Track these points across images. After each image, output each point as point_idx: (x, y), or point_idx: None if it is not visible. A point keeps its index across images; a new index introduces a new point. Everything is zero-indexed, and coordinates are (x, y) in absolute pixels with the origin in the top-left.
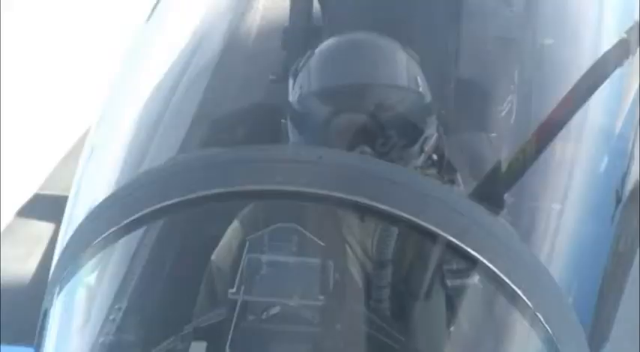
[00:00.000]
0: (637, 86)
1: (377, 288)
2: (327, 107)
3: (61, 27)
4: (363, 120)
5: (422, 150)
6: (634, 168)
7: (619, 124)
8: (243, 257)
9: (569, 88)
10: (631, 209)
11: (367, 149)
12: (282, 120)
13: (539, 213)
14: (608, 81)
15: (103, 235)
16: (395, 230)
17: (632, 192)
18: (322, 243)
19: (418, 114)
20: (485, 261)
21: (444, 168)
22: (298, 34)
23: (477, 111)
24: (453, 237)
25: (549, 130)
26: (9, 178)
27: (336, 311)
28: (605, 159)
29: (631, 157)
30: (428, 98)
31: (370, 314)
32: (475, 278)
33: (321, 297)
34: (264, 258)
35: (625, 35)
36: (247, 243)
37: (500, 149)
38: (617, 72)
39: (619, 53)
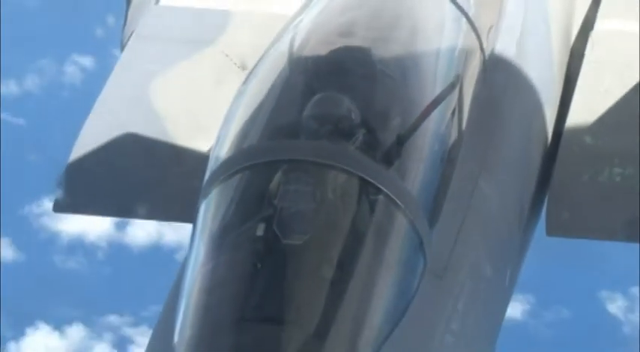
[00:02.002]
0: (452, 109)
1: (341, 200)
2: (314, 123)
3: None
4: (329, 128)
5: (354, 142)
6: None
7: (444, 124)
8: (281, 188)
9: (425, 108)
10: (451, 161)
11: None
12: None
13: (409, 166)
14: (439, 107)
15: (222, 178)
16: (345, 176)
17: (449, 154)
18: (315, 182)
19: (352, 128)
20: (382, 188)
21: (367, 149)
22: (307, 93)
23: (385, 122)
24: (369, 177)
25: (415, 128)
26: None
27: (321, 211)
28: (437, 141)
29: (449, 136)
30: (357, 121)
31: (335, 212)
32: (381, 195)
33: (314, 204)
34: (290, 187)
35: (445, 75)
36: (283, 181)
37: (393, 138)
38: (443, 102)
39: (446, 93)
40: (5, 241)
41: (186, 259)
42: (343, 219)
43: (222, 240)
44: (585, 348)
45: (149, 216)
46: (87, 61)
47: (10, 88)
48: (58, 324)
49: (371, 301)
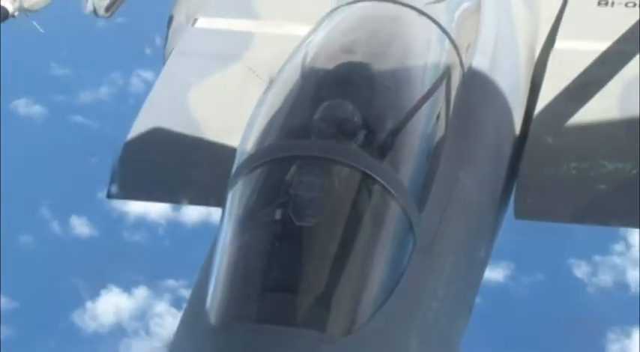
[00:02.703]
0: (437, 113)
1: (345, 190)
2: (322, 125)
3: None
4: (335, 130)
5: (356, 141)
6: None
7: (430, 126)
8: (295, 179)
9: (415, 113)
10: (436, 156)
11: (334, 142)
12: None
13: (401, 161)
14: (426, 112)
15: (246, 171)
16: (348, 169)
17: (435, 151)
18: (324, 175)
19: (354, 129)
20: (379, 179)
21: (366, 146)
22: (316, 100)
23: (381, 125)
24: (368, 170)
25: (406, 130)
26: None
27: (328, 199)
28: (425, 140)
29: (434, 136)
30: (359, 123)
31: (340, 199)
32: (378, 185)
33: (322, 193)
34: (302, 179)
35: (431, 85)
36: (296, 174)
37: (388, 137)
38: (430, 108)
39: (432, 100)
40: (83, 220)
41: (215, 238)
42: (346, 205)
43: (246, 222)
44: (556, 305)
45: (187, 202)
46: (148, 75)
47: (87, 96)
48: (127, 287)
49: (369, 273)
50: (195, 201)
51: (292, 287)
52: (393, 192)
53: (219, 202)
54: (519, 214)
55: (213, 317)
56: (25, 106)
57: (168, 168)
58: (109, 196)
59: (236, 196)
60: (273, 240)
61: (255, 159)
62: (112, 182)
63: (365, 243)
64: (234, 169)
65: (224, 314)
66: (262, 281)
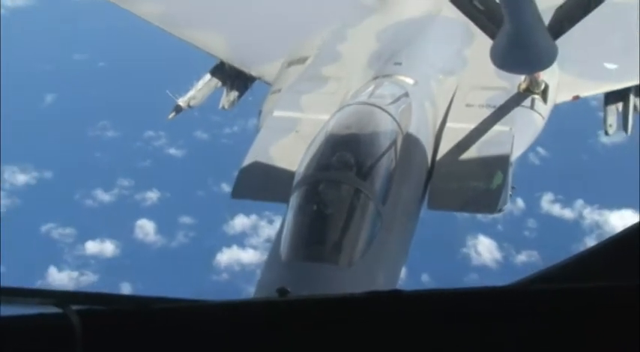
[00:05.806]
0: (392, 157)
1: (346, 196)
2: (335, 164)
3: None
4: (342, 166)
5: (353, 172)
6: (391, 170)
7: (389, 163)
8: (322, 191)
9: (381, 157)
10: (391, 178)
11: (342, 172)
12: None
13: (375, 181)
14: (386, 156)
15: (299, 187)
16: (348, 186)
17: (391, 175)
18: (336, 188)
19: (351, 166)
20: (363, 190)
21: (358, 175)
22: (332, 152)
23: (365, 164)
24: (358, 187)
25: (377, 165)
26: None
27: (338, 200)
28: (385, 170)
29: (391, 168)
30: (354, 163)
31: (344, 201)
32: (362, 194)
33: (336, 197)
34: (325, 191)
35: (387, 144)
36: (322, 188)
37: (368, 170)
38: (387, 154)
39: (389, 150)
40: (226, 185)
41: (283, 218)
42: (347, 204)
43: (299, 210)
44: (441, 228)
45: (272, 200)
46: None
47: (227, 130)
48: (247, 214)
49: (359, 236)
50: (276, 199)
51: (321, 242)
52: (370, 196)
53: (287, 200)
54: (430, 207)
55: (283, 256)
56: (199, 134)
57: (263, 181)
58: (233, 196)
59: (294, 199)
60: (311, 219)
61: (303, 182)
62: (234, 188)
63: (357, 221)
64: (293, 186)
65: (288, 255)
66: (307, 238)
